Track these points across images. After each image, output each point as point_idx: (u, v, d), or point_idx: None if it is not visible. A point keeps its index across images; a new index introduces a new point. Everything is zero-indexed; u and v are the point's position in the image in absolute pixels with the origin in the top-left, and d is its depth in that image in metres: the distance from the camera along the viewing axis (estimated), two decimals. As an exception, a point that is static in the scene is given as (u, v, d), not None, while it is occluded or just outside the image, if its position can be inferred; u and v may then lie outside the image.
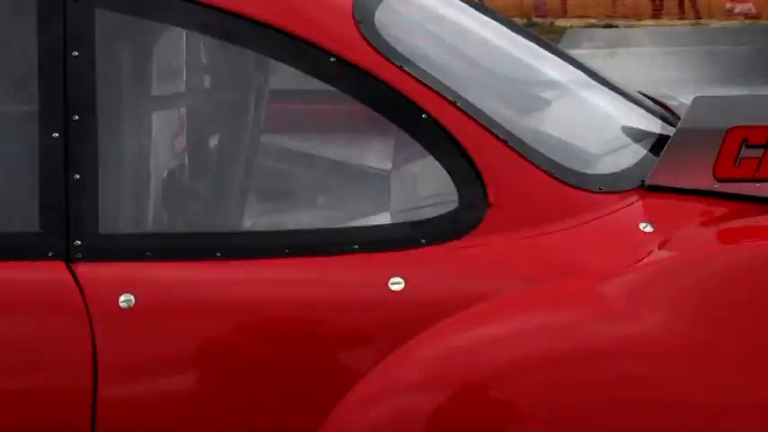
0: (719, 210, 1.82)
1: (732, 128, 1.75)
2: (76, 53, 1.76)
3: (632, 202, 1.80)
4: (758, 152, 1.76)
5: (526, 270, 1.74)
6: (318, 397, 1.67)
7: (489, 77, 2.03)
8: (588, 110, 2.12)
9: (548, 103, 2.05)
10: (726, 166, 1.77)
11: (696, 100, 1.79)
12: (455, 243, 1.73)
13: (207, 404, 1.70)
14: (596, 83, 2.18)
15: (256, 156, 2.13)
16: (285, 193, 2.06)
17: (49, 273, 1.74)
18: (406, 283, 1.68)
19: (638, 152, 1.91)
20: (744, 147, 1.76)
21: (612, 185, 1.82)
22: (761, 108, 1.83)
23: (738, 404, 1.65)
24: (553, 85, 2.12)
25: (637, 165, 1.86)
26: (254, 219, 1.97)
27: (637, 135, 1.98)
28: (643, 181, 1.82)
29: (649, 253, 1.73)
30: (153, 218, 1.96)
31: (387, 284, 1.69)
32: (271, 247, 1.75)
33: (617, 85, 2.26)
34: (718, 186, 1.80)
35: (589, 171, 1.84)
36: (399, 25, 1.94)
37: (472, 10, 2.27)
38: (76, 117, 1.76)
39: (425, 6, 2.17)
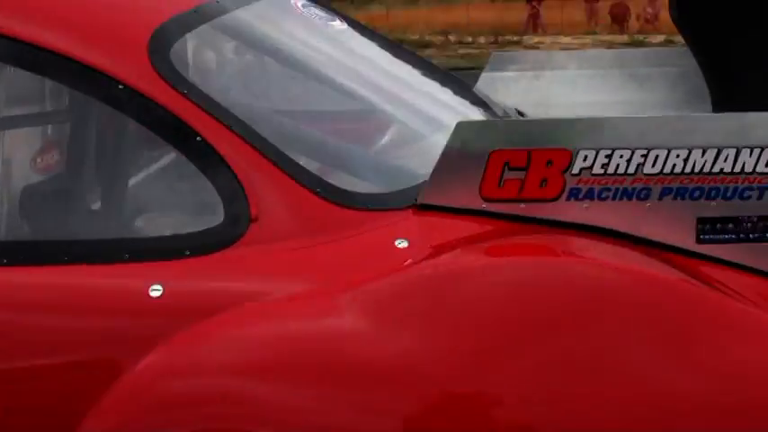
0: (481, 227, 1.86)
1: (494, 151, 1.81)
2: None
3: (397, 221, 1.86)
4: (520, 174, 1.81)
5: (276, 280, 1.82)
6: (77, 397, 1.79)
7: (277, 101, 2.14)
8: (383, 130, 2.20)
9: (336, 126, 2.14)
10: (491, 187, 1.82)
11: (459, 125, 1.84)
12: (216, 254, 1.82)
13: None
14: (422, 93, 2.28)
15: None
16: (67, 204, 2.18)
17: None
18: (164, 289, 1.79)
19: (423, 172, 1.97)
20: (506, 169, 1.81)
21: (382, 204, 1.89)
22: (519, 132, 1.87)
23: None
24: (356, 105, 2.22)
25: (419, 185, 1.92)
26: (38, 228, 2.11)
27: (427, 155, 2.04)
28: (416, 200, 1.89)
29: (392, 266, 1.79)
30: None
31: (147, 291, 1.80)
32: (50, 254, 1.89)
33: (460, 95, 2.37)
34: (485, 206, 1.84)
35: (358, 190, 1.92)
36: (198, 58, 2.07)
37: (302, 30, 2.42)
38: None
39: (242, 36, 2.30)
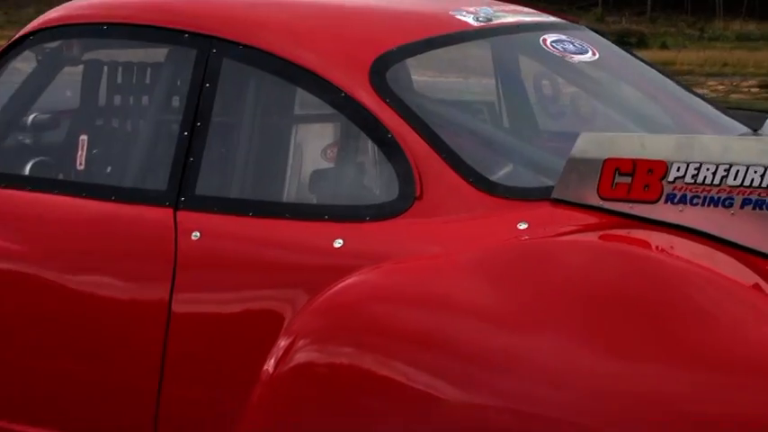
0: (596, 219, 2.21)
1: (607, 159, 2.19)
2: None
3: (528, 209, 2.29)
4: (628, 179, 2.18)
5: (426, 244, 2.31)
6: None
7: (464, 110, 2.67)
8: (542, 137, 2.66)
9: (505, 129, 2.63)
10: (606, 188, 2.20)
11: (582, 135, 2.25)
12: (387, 222, 2.36)
13: None
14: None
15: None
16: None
17: (163, 214, 2.60)
18: (344, 243, 2.35)
19: None
20: (617, 174, 2.19)
21: (520, 195, 2.33)
22: (627, 145, 2.23)
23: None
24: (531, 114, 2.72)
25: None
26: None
27: None
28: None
29: (506, 239, 2.24)
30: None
31: (332, 244, 2.36)
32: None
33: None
34: (602, 203, 2.21)
35: (504, 183, 2.36)
36: (402, 76, 2.65)
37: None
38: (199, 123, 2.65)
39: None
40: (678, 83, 3.35)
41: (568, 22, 3.24)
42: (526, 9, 3.19)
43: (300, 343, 2.27)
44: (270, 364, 2.30)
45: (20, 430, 2.72)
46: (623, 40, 30.81)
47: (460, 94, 3.35)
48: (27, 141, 3.15)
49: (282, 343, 2.29)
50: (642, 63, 3.33)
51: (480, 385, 2.09)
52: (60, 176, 2.99)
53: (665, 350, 1.98)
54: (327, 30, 2.75)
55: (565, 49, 2.91)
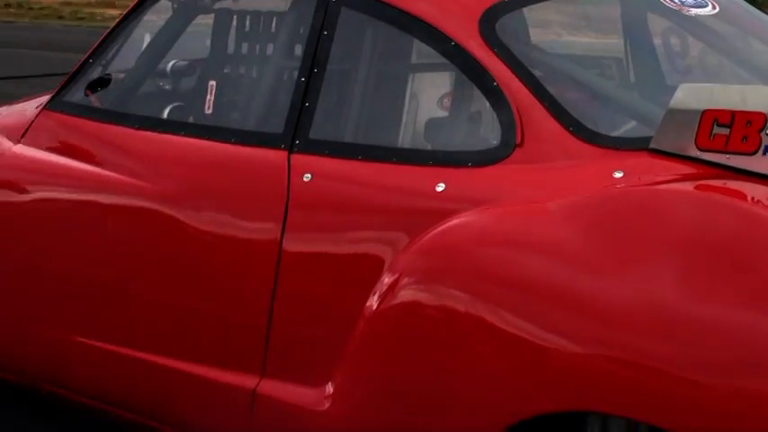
0: (694, 170, 2.21)
1: (706, 110, 2.19)
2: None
3: (625, 158, 2.32)
4: (725, 130, 2.17)
5: (526, 189, 2.36)
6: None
7: (575, 63, 2.71)
8: (641, 87, 2.66)
9: (606, 80, 2.64)
10: (704, 139, 2.20)
11: (681, 87, 2.26)
12: (488, 168, 2.43)
13: None
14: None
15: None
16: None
17: (277, 156, 2.74)
18: (446, 186, 2.44)
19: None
20: (715, 125, 2.18)
21: (619, 144, 2.37)
22: (727, 96, 2.22)
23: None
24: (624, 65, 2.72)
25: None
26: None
27: None
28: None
29: (595, 188, 2.28)
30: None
31: (434, 187, 2.46)
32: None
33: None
34: (699, 154, 2.21)
35: (604, 132, 2.40)
36: (513, 26, 2.70)
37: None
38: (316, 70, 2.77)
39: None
40: None
41: None
42: None
43: (405, 281, 2.35)
44: (373, 301, 2.39)
45: (143, 357, 2.92)
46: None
47: (584, 49, 3.36)
48: (163, 87, 3.35)
49: (386, 280, 2.39)
50: (765, 16, 3.28)
51: (582, 333, 2.12)
52: (190, 119, 3.16)
53: (759, 298, 1.98)
54: None
55: (682, 3, 2.90)
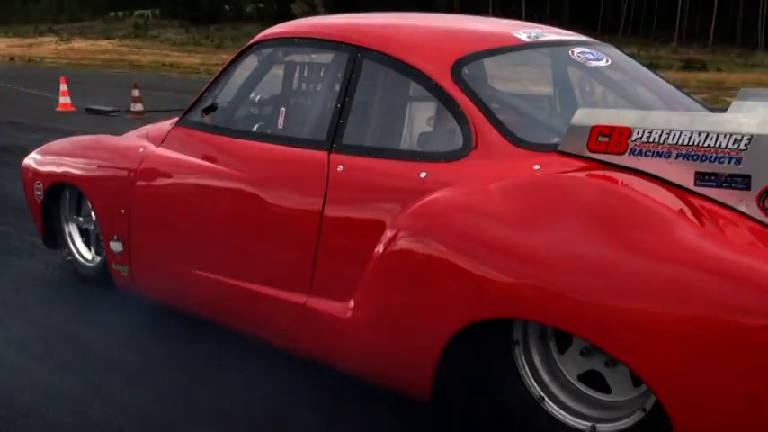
0: (583, 164, 2.26)
1: (594, 125, 2.28)
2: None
3: (542, 156, 2.37)
4: (606, 139, 2.25)
5: (477, 178, 2.37)
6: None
7: (515, 96, 2.77)
8: (563, 113, 2.73)
9: (533, 106, 2.70)
10: (592, 144, 2.27)
11: (579, 110, 2.33)
12: (453, 162, 2.50)
13: None
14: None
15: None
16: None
17: (322, 155, 2.81)
18: (427, 174, 2.51)
19: None
20: (600, 135, 2.27)
21: (540, 148, 2.41)
22: (607, 116, 2.30)
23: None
24: (553, 100, 2.80)
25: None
26: None
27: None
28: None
29: (521, 175, 2.31)
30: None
31: (419, 174, 2.53)
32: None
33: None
34: (589, 154, 2.28)
35: (527, 139, 2.45)
36: (477, 72, 2.75)
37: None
38: (347, 99, 2.83)
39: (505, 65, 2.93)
40: (668, 81, 3.29)
41: (597, 41, 3.25)
42: (566, 31, 3.23)
43: (400, 234, 2.39)
44: (380, 247, 2.45)
45: (238, 284, 2.98)
46: (690, 65, 29.11)
47: (525, 87, 3.36)
48: (251, 111, 3.43)
49: (388, 234, 2.44)
50: (645, 69, 3.30)
51: (513, 267, 2.13)
52: (268, 132, 3.20)
53: (623, 243, 2.00)
54: (426, 41, 2.88)
55: (586, 58, 2.95)
